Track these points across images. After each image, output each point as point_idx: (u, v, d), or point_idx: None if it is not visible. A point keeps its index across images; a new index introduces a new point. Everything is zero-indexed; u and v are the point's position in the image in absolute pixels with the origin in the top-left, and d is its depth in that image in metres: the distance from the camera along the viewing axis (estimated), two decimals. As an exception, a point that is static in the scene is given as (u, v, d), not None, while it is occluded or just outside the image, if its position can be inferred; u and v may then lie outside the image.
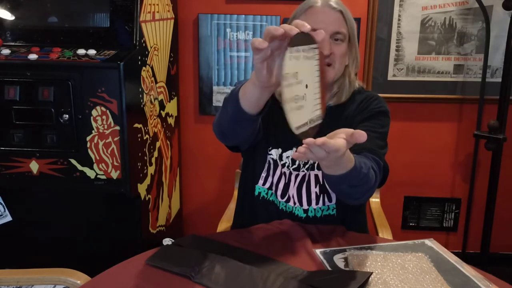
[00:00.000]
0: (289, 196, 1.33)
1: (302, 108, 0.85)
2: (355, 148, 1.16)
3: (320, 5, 1.26)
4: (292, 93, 0.83)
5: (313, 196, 1.32)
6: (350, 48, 1.31)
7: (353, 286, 0.95)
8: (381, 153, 1.24)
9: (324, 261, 1.09)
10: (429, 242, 1.20)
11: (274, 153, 1.35)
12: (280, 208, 1.34)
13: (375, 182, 1.17)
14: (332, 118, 1.33)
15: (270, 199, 1.35)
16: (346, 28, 1.27)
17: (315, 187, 1.32)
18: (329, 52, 1.24)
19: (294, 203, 1.32)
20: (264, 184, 1.36)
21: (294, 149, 1.32)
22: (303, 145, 0.86)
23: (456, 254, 1.14)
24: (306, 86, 0.86)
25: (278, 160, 1.34)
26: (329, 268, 1.06)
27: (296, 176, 1.33)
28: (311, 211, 1.32)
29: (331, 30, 1.24)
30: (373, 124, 1.29)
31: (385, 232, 1.53)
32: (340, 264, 1.08)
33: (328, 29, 1.23)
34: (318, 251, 1.14)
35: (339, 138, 0.88)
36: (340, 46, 1.27)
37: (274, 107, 1.35)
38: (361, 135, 0.87)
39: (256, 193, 1.38)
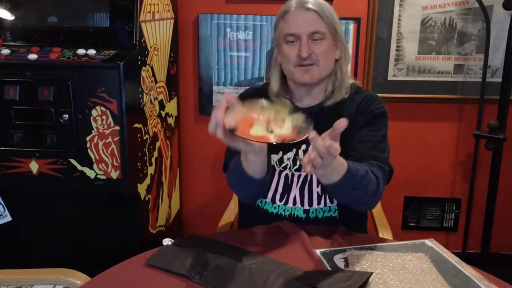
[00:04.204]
0: (288, 198, 1.33)
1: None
2: (360, 157, 1.21)
3: (294, 9, 1.27)
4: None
5: (315, 196, 1.32)
6: (335, 42, 1.31)
7: (353, 286, 0.95)
8: (385, 157, 1.27)
9: (324, 261, 1.09)
10: (429, 242, 1.20)
11: (274, 158, 1.35)
12: (279, 213, 1.34)
13: (378, 186, 1.18)
14: (333, 117, 1.33)
15: (264, 208, 1.36)
16: (324, 26, 1.26)
17: (317, 187, 1.32)
18: (307, 54, 1.25)
19: (294, 204, 1.32)
20: None
21: (294, 150, 1.33)
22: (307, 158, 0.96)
23: (456, 254, 1.14)
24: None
25: (276, 165, 1.35)
26: (329, 268, 1.06)
27: (299, 176, 1.33)
28: (312, 212, 1.32)
29: (308, 31, 1.25)
30: (374, 128, 1.30)
31: (385, 232, 1.53)
32: (340, 264, 1.08)
33: (304, 31, 1.25)
34: (318, 251, 1.14)
35: (329, 141, 0.94)
36: (320, 44, 1.27)
37: None
38: (341, 122, 0.94)
39: None
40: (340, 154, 1.22)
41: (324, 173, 1.04)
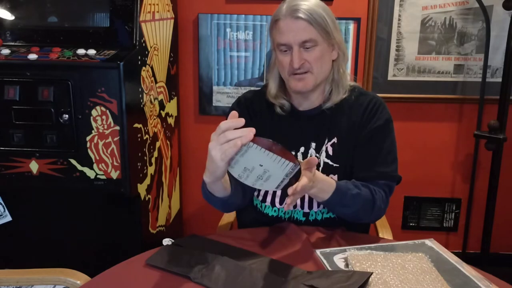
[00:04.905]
0: None
1: (271, 176, 0.97)
2: (369, 176, 1.28)
3: (284, 17, 1.24)
4: (253, 179, 0.98)
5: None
6: (331, 44, 1.28)
7: (353, 286, 0.95)
8: (392, 170, 1.31)
9: (324, 261, 1.09)
10: (429, 242, 1.20)
11: None
12: (279, 216, 1.34)
13: (374, 204, 1.24)
14: (333, 118, 1.33)
15: (264, 211, 1.36)
16: (315, 33, 1.23)
17: None
18: (298, 65, 1.23)
19: (295, 207, 1.32)
20: (258, 196, 1.37)
21: (293, 153, 1.32)
22: (288, 196, 1.01)
23: (456, 254, 1.14)
24: (261, 165, 0.96)
25: None
26: (329, 268, 1.06)
27: None
28: (312, 215, 1.32)
29: (298, 41, 1.23)
30: (381, 137, 1.31)
31: (385, 232, 1.53)
32: (340, 264, 1.08)
33: (295, 41, 1.23)
34: (318, 251, 1.14)
35: (303, 177, 1.02)
36: (312, 52, 1.24)
37: (263, 122, 1.35)
38: (313, 160, 1.04)
39: (254, 204, 1.40)
40: (347, 161, 1.30)
41: (314, 193, 1.15)
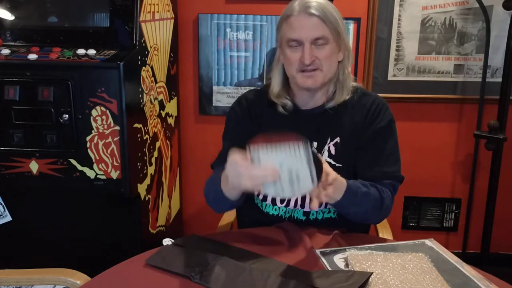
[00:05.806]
0: (290, 199, 1.32)
1: (298, 173, 0.96)
2: (375, 176, 1.28)
3: (297, 14, 1.24)
4: (288, 188, 0.98)
5: None
6: (338, 45, 1.29)
7: (353, 286, 0.95)
8: (396, 171, 1.32)
9: (324, 261, 1.09)
10: (429, 242, 1.20)
11: None
12: (279, 215, 1.34)
13: (383, 203, 1.25)
14: (335, 118, 1.32)
15: (265, 210, 1.36)
16: (327, 30, 1.24)
17: None
18: (309, 61, 1.23)
19: (295, 206, 1.32)
20: (258, 195, 1.37)
21: None
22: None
23: (456, 254, 1.14)
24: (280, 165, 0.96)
25: None
26: (329, 268, 1.06)
27: None
28: (313, 214, 1.32)
29: (311, 37, 1.23)
30: (383, 141, 1.32)
31: (385, 232, 1.53)
32: (340, 264, 1.08)
33: (307, 37, 1.23)
34: (318, 251, 1.14)
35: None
36: (323, 49, 1.25)
37: (265, 122, 1.35)
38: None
39: (255, 202, 1.39)
40: (350, 161, 1.31)
41: (329, 193, 1.13)
